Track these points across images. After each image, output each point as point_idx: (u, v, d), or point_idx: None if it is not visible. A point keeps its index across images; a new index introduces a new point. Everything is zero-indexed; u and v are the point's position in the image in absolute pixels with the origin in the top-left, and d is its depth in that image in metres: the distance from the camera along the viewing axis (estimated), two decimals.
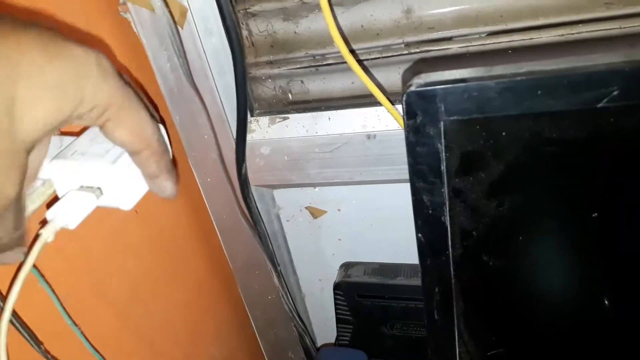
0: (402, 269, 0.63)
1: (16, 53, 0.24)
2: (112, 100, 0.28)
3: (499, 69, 0.31)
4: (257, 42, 0.50)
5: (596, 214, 0.34)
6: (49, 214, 0.32)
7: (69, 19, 0.42)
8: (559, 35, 0.43)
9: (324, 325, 0.75)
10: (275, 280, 0.61)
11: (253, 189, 0.56)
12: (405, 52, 0.46)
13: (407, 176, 0.35)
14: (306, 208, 0.64)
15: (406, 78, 0.48)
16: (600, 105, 0.29)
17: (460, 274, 0.38)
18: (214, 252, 0.63)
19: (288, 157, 0.52)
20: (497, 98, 0.31)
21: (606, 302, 0.38)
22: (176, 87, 0.49)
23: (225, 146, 0.53)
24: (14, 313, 0.36)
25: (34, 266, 0.35)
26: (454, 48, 0.45)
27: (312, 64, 0.49)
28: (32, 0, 0.39)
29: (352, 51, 0.47)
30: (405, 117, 0.32)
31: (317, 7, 0.46)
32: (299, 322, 0.66)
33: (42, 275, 0.38)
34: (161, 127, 0.35)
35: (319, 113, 0.50)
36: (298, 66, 0.50)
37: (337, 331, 0.68)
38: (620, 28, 0.41)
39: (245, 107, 0.48)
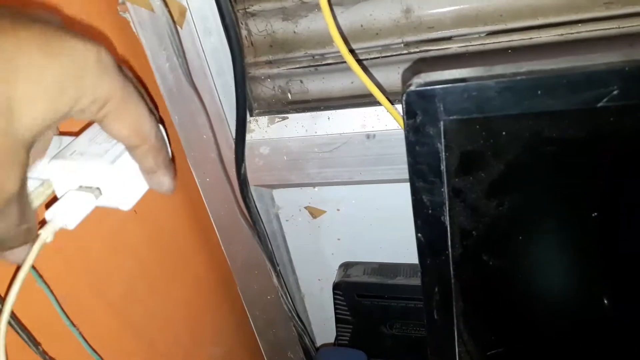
0: (401, 269, 0.63)
1: (14, 51, 0.24)
2: (111, 94, 0.28)
3: (498, 69, 0.31)
4: (257, 41, 0.49)
5: (596, 214, 0.34)
6: (48, 214, 0.32)
7: (67, 18, 0.42)
8: (558, 35, 0.43)
9: (323, 325, 0.75)
10: (275, 280, 0.61)
11: (252, 188, 0.56)
12: (405, 51, 0.46)
13: (406, 176, 0.35)
14: (305, 208, 0.64)
15: (406, 78, 0.48)
16: (600, 104, 0.29)
17: (459, 273, 0.38)
18: (213, 252, 0.63)
19: (287, 157, 0.52)
20: (497, 98, 0.30)
21: (605, 301, 0.38)
22: (175, 86, 0.49)
23: (224, 146, 0.53)
24: (12, 314, 0.35)
25: (32, 267, 0.35)
26: (453, 48, 0.45)
27: (312, 64, 0.49)
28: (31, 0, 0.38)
29: (351, 51, 0.47)
30: (405, 116, 0.32)
31: (317, 6, 0.46)
32: (298, 322, 0.66)
33: (41, 276, 0.38)
34: (160, 126, 0.35)
35: (319, 113, 0.50)
36: (297, 66, 0.50)
37: (337, 331, 0.68)
38: (620, 28, 0.41)
39: (244, 107, 0.48)
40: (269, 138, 0.52)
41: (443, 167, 0.34)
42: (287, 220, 0.65)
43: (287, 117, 0.51)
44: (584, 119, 0.31)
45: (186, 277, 0.60)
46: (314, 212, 0.64)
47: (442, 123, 0.32)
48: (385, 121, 0.48)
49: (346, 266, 0.66)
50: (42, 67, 0.25)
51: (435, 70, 0.32)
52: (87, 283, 0.44)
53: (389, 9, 0.45)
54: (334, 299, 0.65)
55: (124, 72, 0.30)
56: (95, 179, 0.33)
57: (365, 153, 0.49)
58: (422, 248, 0.38)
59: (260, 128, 0.52)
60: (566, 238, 0.37)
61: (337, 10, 0.46)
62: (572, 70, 0.29)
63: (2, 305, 0.32)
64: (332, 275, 0.67)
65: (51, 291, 0.39)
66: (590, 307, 0.39)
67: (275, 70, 0.51)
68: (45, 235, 0.31)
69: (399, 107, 0.37)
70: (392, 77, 0.48)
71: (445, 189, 0.35)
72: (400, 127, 0.46)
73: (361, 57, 0.48)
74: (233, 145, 0.52)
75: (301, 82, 0.51)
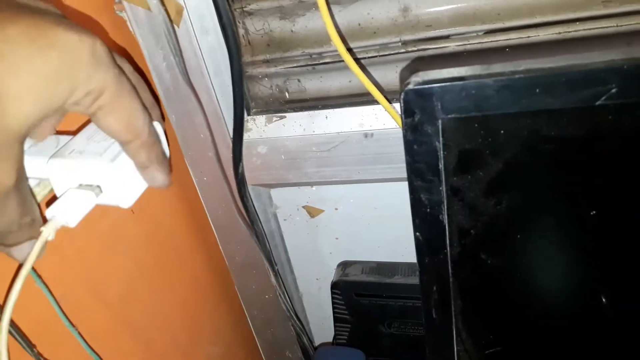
0: (399, 268, 0.63)
1: (3, 46, 0.24)
2: (106, 86, 0.28)
3: (496, 67, 0.31)
4: (254, 40, 0.49)
5: (594, 212, 0.34)
6: (49, 213, 0.32)
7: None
8: (556, 34, 0.43)
9: (322, 324, 0.75)
10: (273, 279, 0.61)
11: (250, 188, 0.56)
12: (403, 50, 0.46)
13: (404, 175, 0.35)
14: (303, 207, 0.64)
15: (404, 76, 0.47)
16: (598, 103, 0.29)
17: (458, 272, 0.38)
18: (210, 252, 0.63)
19: (285, 156, 0.52)
20: (495, 96, 0.30)
21: (604, 300, 0.38)
22: (172, 85, 0.49)
23: (221, 145, 0.53)
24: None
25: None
26: (451, 46, 0.45)
27: (309, 63, 0.49)
28: None
29: (349, 50, 0.47)
30: (403, 115, 0.32)
31: (314, 5, 0.46)
32: (297, 321, 0.66)
33: (39, 276, 0.38)
34: (158, 124, 0.35)
35: (316, 112, 0.50)
36: (295, 65, 0.50)
37: (335, 330, 0.68)
38: (617, 26, 0.41)
39: (242, 106, 0.48)
40: (267, 137, 0.52)
41: (441, 165, 0.34)
42: (285, 220, 0.65)
43: (285, 116, 0.51)
44: (582, 117, 0.31)
45: (184, 277, 0.59)
46: (312, 212, 0.64)
47: (440, 122, 0.32)
48: (383, 120, 0.48)
49: (344, 265, 0.66)
50: (33, 62, 0.25)
51: (433, 69, 0.32)
52: (85, 283, 0.44)
53: (386, 7, 0.45)
54: (332, 298, 0.65)
55: (119, 65, 0.30)
56: (95, 177, 0.33)
57: (363, 152, 0.49)
58: (421, 247, 0.38)
59: (257, 127, 0.52)
60: (564, 236, 0.37)
61: (334, 9, 0.46)
62: (570, 68, 0.29)
63: (4, 303, 0.31)
64: (330, 274, 0.67)
65: (50, 291, 0.39)
66: (588, 305, 0.39)
67: (272, 69, 0.51)
68: (47, 233, 0.31)
69: (397, 105, 0.37)
70: (389, 75, 0.48)
71: (443, 188, 0.35)
72: (398, 126, 0.46)
73: (359, 56, 0.48)
74: (230, 145, 0.51)
75: (299, 81, 0.51)
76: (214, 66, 0.49)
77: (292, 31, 0.48)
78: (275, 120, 0.51)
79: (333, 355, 0.68)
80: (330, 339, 0.71)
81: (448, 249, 0.37)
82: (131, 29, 0.46)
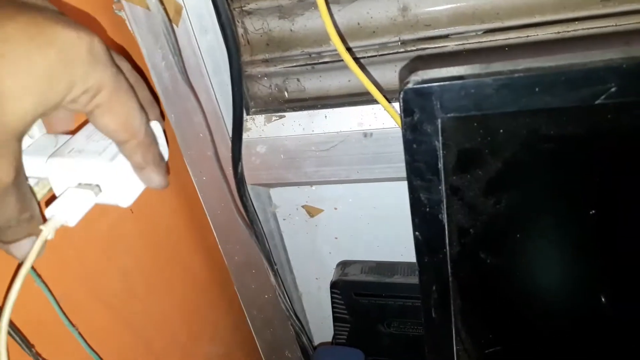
0: (399, 267, 0.63)
1: (2, 44, 0.24)
2: (103, 84, 0.28)
3: (496, 66, 0.31)
4: (253, 40, 0.49)
5: (594, 211, 0.34)
6: (49, 212, 0.32)
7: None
8: (555, 33, 0.43)
9: (321, 324, 0.75)
10: (272, 279, 0.61)
11: (249, 187, 0.56)
12: (402, 49, 0.46)
13: (404, 174, 0.35)
14: (303, 207, 0.64)
15: (403, 75, 0.47)
16: (597, 102, 0.29)
17: (457, 271, 0.38)
18: (210, 251, 0.63)
19: (284, 156, 0.52)
20: (495, 95, 0.30)
21: (603, 299, 0.38)
22: (171, 85, 0.49)
23: (220, 144, 0.53)
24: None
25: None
26: (450, 46, 0.45)
27: (308, 62, 0.49)
28: None
29: (348, 49, 0.47)
30: (402, 114, 0.32)
31: (313, 4, 0.46)
32: (296, 321, 0.66)
33: (39, 275, 0.38)
34: (158, 123, 0.35)
35: (315, 111, 0.50)
36: (294, 64, 0.50)
37: (334, 330, 0.68)
38: (616, 25, 0.41)
39: (241, 106, 0.48)
40: (266, 137, 0.52)
41: (440, 165, 0.34)
42: (284, 219, 0.65)
43: (284, 116, 0.51)
44: (581, 116, 0.31)
45: (183, 276, 0.59)
46: (311, 211, 0.64)
47: (439, 121, 0.32)
48: (382, 119, 0.48)
49: (344, 265, 0.66)
50: (31, 60, 0.25)
51: (433, 68, 0.32)
52: (84, 282, 0.44)
53: (385, 7, 0.45)
54: (332, 297, 0.65)
55: (117, 64, 0.30)
56: (95, 176, 0.33)
57: (362, 151, 0.49)
58: (420, 246, 0.38)
59: (257, 127, 0.52)
60: (564, 236, 0.37)
61: (333, 8, 0.46)
62: (570, 67, 0.29)
63: (4, 302, 0.31)
64: (329, 274, 0.67)
65: (49, 290, 0.39)
66: (587, 304, 0.39)
67: (271, 69, 0.51)
68: (47, 232, 0.31)
69: (396, 105, 0.37)
70: (389, 75, 0.48)
71: (442, 187, 0.35)
72: (397, 125, 0.46)
73: (358, 55, 0.48)
74: (230, 144, 0.51)
75: (298, 80, 0.51)
76: (213, 65, 0.49)
77: (291, 30, 0.48)
78: (275, 120, 0.51)
79: (332, 355, 0.68)
80: (329, 338, 0.71)
81: (447, 248, 0.37)
82: (130, 28, 0.46)
